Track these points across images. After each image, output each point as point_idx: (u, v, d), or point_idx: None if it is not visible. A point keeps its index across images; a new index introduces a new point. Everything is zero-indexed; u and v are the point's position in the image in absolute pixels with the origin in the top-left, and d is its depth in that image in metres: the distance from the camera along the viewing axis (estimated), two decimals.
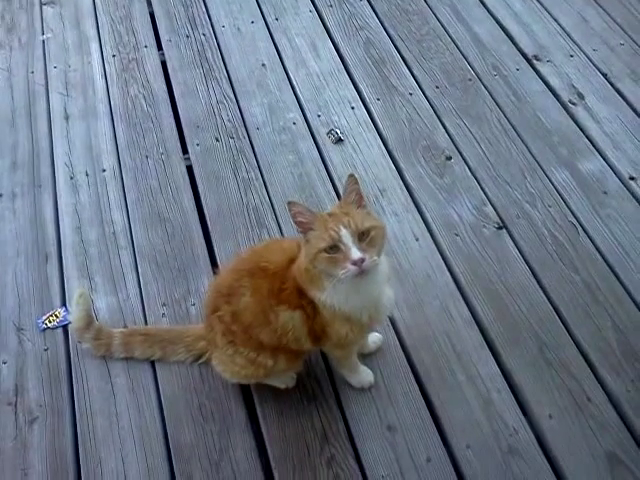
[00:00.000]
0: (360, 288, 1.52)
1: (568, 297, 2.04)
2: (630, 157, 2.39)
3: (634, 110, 2.54)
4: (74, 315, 1.87)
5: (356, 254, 1.43)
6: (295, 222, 1.49)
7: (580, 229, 2.20)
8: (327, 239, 1.45)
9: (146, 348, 1.87)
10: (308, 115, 2.58)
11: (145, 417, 1.80)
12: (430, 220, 2.24)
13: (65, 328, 1.97)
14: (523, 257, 2.14)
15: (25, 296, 2.06)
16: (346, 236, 1.44)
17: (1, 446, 1.76)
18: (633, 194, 2.29)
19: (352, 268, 1.44)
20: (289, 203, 1.48)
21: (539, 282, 2.08)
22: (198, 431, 1.77)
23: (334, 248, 1.45)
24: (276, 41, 2.87)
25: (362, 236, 1.46)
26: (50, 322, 1.98)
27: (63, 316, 1.99)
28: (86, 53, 2.85)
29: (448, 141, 2.48)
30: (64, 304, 2.03)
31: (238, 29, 2.92)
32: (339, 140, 2.48)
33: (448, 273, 2.10)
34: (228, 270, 1.71)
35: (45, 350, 1.94)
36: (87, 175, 2.40)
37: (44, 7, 3.06)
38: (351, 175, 1.50)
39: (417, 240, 2.18)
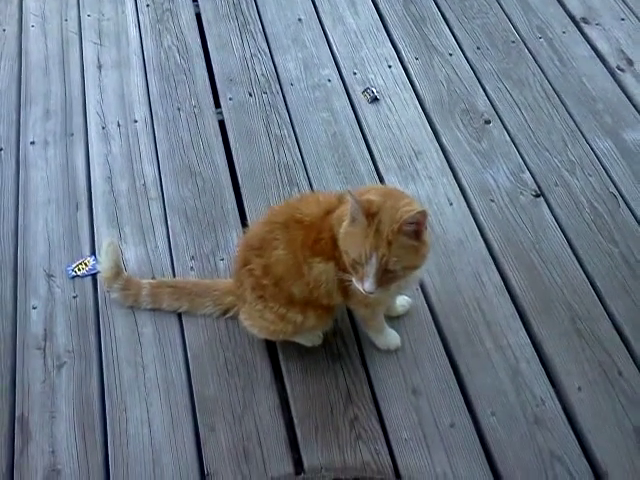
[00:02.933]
0: None
1: (604, 269, 1.98)
2: None
3: None
4: (103, 265, 1.87)
5: (368, 287, 1.44)
6: (350, 211, 1.45)
7: (621, 200, 2.13)
8: (356, 255, 1.44)
9: (174, 300, 1.87)
10: (344, 72, 2.52)
11: (171, 369, 1.81)
12: (465, 185, 2.19)
13: (94, 277, 1.98)
14: (559, 226, 2.08)
15: (55, 243, 2.06)
16: (372, 266, 1.42)
17: (30, 388, 1.78)
18: None
19: (361, 289, 1.46)
20: (347, 192, 1.43)
21: (575, 252, 2.02)
22: (222, 385, 1.77)
23: (359, 263, 1.44)
24: None
25: (387, 272, 1.44)
26: (79, 270, 1.99)
27: (92, 265, 1.99)
28: (120, 2, 2.80)
29: (487, 105, 2.41)
30: (93, 253, 2.03)
31: None
32: (375, 99, 2.42)
33: (481, 239, 2.05)
34: (260, 223, 1.69)
35: (74, 297, 1.95)
36: (119, 125, 2.38)
37: None
38: (423, 212, 1.40)
39: (451, 205, 2.13)
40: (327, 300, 1.64)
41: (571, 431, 1.71)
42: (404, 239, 1.42)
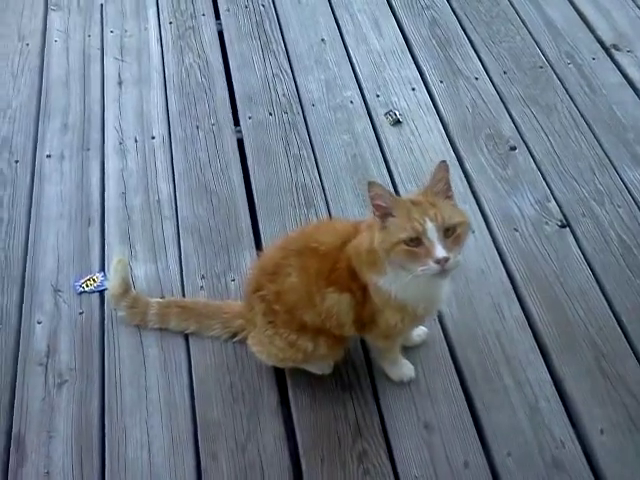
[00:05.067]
0: (426, 281, 1.40)
1: (632, 306, 1.88)
2: None
3: None
4: (111, 282, 1.83)
5: (441, 252, 1.31)
6: (373, 204, 1.36)
7: None
8: (410, 230, 1.32)
9: (181, 321, 1.82)
10: (366, 94, 2.48)
11: (174, 391, 1.74)
12: (488, 212, 2.11)
13: (102, 294, 1.93)
14: (586, 259, 1.99)
15: (65, 258, 2.03)
16: (431, 230, 1.32)
17: (29, 406, 1.73)
18: None
19: (434, 267, 1.33)
20: (369, 183, 1.34)
21: (601, 287, 1.93)
22: (227, 411, 1.70)
23: (416, 240, 1.33)
24: (337, 16, 2.77)
25: (448, 232, 1.33)
26: (87, 286, 1.95)
27: (100, 281, 1.95)
28: (143, 19, 2.81)
29: (513, 130, 2.34)
30: (102, 269, 1.99)
31: (299, 1, 2.83)
32: (397, 122, 2.37)
33: (503, 269, 1.97)
34: (275, 248, 1.63)
35: (80, 314, 1.90)
36: (136, 141, 2.35)
37: None
38: (443, 161, 1.36)
39: (473, 232, 2.05)
40: (339, 331, 1.58)
41: (592, 476, 1.60)
42: (441, 199, 1.35)
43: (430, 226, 1.32)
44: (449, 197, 1.37)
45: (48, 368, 1.79)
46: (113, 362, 1.80)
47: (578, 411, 1.70)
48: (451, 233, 1.34)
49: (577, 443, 1.65)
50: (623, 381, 1.74)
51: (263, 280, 1.60)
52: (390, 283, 1.43)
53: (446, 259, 1.31)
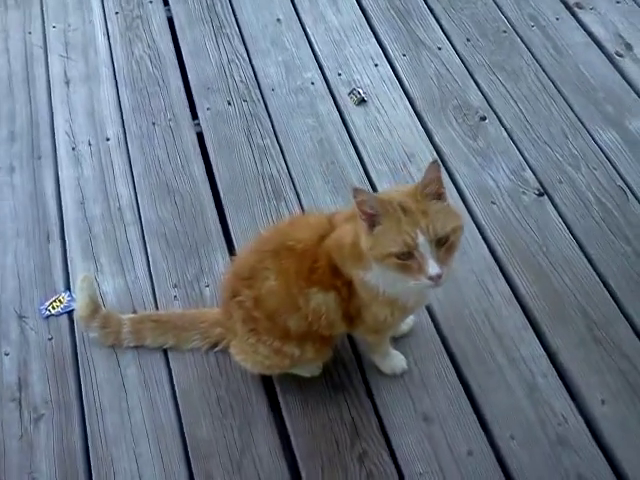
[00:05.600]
0: None
1: (618, 269, 1.85)
2: None
3: None
4: (78, 303, 1.72)
5: (434, 269, 1.23)
6: (359, 211, 1.27)
7: (630, 194, 2.00)
8: (401, 245, 1.24)
9: (158, 336, 1.72)
10: (328, 74, 2.37)
11: (159, 412, 1.66)
12: (464, 187, 2.05)
13: (70, 315, 1.82)
14: (567, 226, 1.94)
15: (26, 280, 1.91)
16: (423, 244, 1.23)
17: (6, 446, 1.62)
18: None
19: (427, 282, 1.25)
20: (354, 190, 1.24)
21: (585, 253, 1.89)
22: (217, 426, 1.62)
23: (407, 254, 1.25)
24: None
25: (440, 242, 1.25)
26: (54, 308, 1.84)
27: (67, 301, 1.84)
28: (87, 10, 2.64)
29: (481, 100, 2.26)
30: (68, 288, 1.88)
31: None
32: (362, 101, 2.28)
33: (484, 245, 1.92)
34: (248, 251, 1.54)
35: (49, 339, 1.79)
36: (90, 145, 2.22)
37: None
38: (434, 162, 1.25)
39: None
40: (329, 331, 1.51)
41: (598, 449, 1.57)
42: (433, 203, 1.25)
43: (422, 240, 1.23)
44: (441, 196, 1.28)
45: (22, 403, 1.69)
46: (91, 387, 1.70)
47: (576, 383, 1.67)
48: (444, 242, 1.25)
49: (579, 417, 1.62)
50: (617, 347, 1.71)
51: (239, 286, 1.51)
52: (377, 277, 1.35)
53: (439, 275, 1.24)
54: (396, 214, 1.24)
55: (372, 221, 1.26)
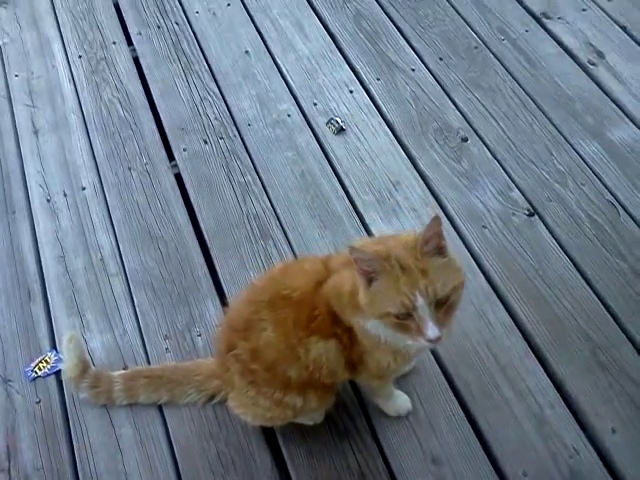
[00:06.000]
0: None
1: (616, 288, 1.82)
2: None
3: None
4: (66, 363, 1.65)
5: (433, 332, 1.19)
6: (357, 267, 1.22)
7: (620, 208, 1.98)
8: (399, 306, 1.19)
9: (151, 392, 1.66)
10: (303, 104, 2.33)
11: (158, 473, 1.59)
12: (453, 213, 2.01)
13: (58, 375, 1.75)
14: (560, 246, 1.91)
15: (9, 341, 1.83)
16: (422, 307, 1.19)
17: None
18: None
19: (425, 344, 1.23)
20: (349, 248, 1.20)
21: (581, 273, 1.86)
22: None
23: (405, 314, 1.20)
24: (257, 24, 2.60)
25: (440, 302, 1.20)
26: (40, 369, 1.76)
27: (54, 361, 1.77)
28: (49, 56, 2.57)
29: (461, 120, 2.24)
30: (54, 347, 1.81)
31: (214, 14, 2.65)
32: (340, 130, 2.24)
33: (480, 272, 1.88)
34: (242, 302, 1.48)
35: (37, 403, 1.72)
36: (65, 195, 2.15)
37: None
38: (436, 217, 1.19)
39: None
40: (331, 380, 1.46)
41: None
42: (433, 260, 1.21)
43: (421, 302, 1.18)
44: (442, 250, 1.23)
45: (11, 473, 1.61)
46: (84, 451, 1.63)
47: (585, 412, 1.63)
48: (444, 302, 1.21)
49: (591, 447, 1.58)
50: (623, 370, 1.68)
51: (234, 338, 1.45)
52: (377, 327, 1.31)
53: (438, 339, 1.20)
54: (394, 272, 1.20)
55: (370, 277, 1.22)
